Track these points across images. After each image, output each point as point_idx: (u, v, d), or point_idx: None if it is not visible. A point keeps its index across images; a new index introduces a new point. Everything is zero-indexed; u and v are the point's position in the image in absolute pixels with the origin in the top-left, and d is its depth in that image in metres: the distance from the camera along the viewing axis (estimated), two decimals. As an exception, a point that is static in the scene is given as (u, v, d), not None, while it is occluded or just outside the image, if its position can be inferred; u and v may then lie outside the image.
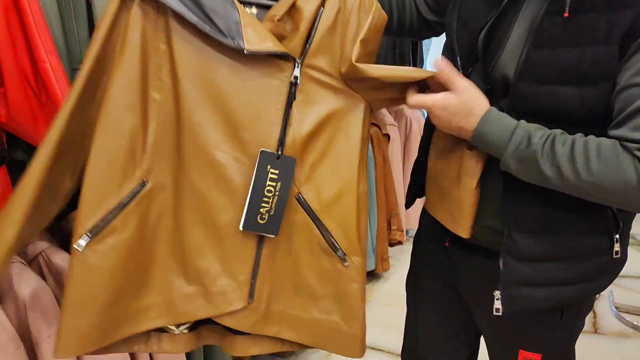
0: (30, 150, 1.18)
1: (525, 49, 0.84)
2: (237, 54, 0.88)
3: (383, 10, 0.93)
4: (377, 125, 2.58)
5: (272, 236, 0.94)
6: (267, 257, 0.96)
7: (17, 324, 1.04)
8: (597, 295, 2.57)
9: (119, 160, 0.88)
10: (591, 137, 0.82)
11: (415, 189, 1.17)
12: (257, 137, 0.91)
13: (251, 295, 0.96)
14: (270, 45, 0.86)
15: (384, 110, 2.77)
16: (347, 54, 0.91)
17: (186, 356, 1.48)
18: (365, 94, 0.96)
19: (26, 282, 1.07)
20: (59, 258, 1.19)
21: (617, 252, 0.94)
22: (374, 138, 2.55)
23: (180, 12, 0.84)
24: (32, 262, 1.19)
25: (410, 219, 2.89)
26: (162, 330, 1.02)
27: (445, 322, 1.17)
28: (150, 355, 1.38)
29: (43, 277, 1.16)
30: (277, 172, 0.91)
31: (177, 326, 1.02)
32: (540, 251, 0.92)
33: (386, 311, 2.46)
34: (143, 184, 0.91)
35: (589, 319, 2.46)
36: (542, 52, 0.83)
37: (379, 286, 2.69)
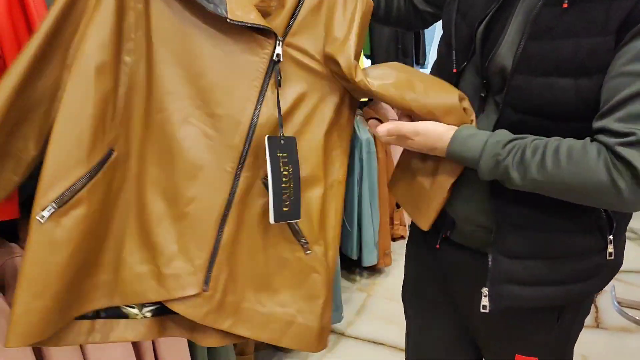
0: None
1: (522, 41, 0.83)
2: (218, 24, 0.85)
3: None
4: (380, 120, 2.58)
5: (296, 220, 0.91)
6: (227, 242, 0.91)
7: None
8: (596, 295, 2.57)
9: (89, 125, 0.81)
10: (563, 142, 0.80)
11: None
12: (229, 112, 0.88)
13: (206, 282, 0.90)
14: (253, 17, 0.83)
15: (386, 105, 2.77)
16: (335, 37, 0.89)
17: (190, 355, 1.49)
18: (343, 82, 0.93)
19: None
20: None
21: (610, 254, 0.92)
22: (377, 133, 2.55)
23: None
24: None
25: (413, 213, 2.89)
26: (124, 316, 0.95)
27: (447, 328, 1.16)
28: (155, 353, 1.38)
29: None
30: (285, 154, 0.88)
31: (140, 309, 0.94)
32: (529, 248, 0.91)
33: (388, 306, 2.47)
34: (110, 153, 0.85)
35: (591, 313, 2.46)
36: (539, 44, 0.82)
37: (380, 281, 2.69)
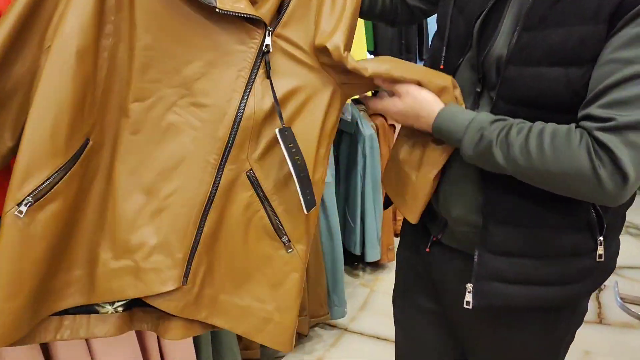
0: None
1: (516, 32, 0.83)
2: (205, 12, 0.82)
3: None
4: (383, 116, 2.57)
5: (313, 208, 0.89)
6: (208, 235, 0.89)
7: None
8: (599, 292, 2.56)
9: (68, 113, 0.76)
10: (548, 125, 0.79)
11: None
12: (215, 103, 0.85)
13: (186, 275, 0.88)
14: (243, 6, 0.80)
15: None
16: (324, 29, 0.87)
17: (196, 352, 1.49)
18: (335, 76, 0.91)
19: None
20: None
21: (600, 256, 0.90)
22: (380, 128, 2.55)
23: None
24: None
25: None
26: (93, 312, 0.91)
27: (434, 338, 1.14)
28: (161, 352, 1.38)
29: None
30: (292, 145, 0.86)
31: (112, 304, 0.90)
32: (516, 246, 0.89)
33: (390, 301, 2.47)
34: (86, 142, 0.80)
35: (593, 309, 2.46)
36: (532, 34, 0.81)
37: (383, 276, 2.70)
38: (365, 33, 2.37)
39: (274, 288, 0.94)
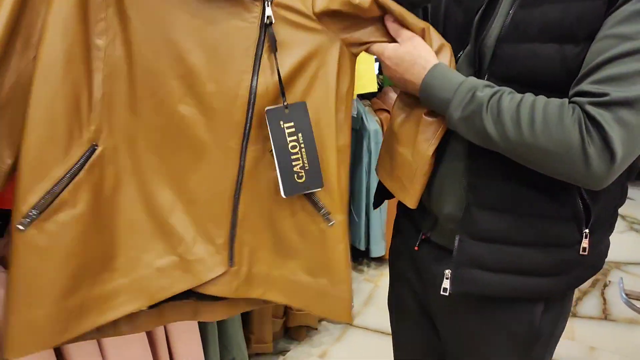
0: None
1: (511, 11, 0.81)
2: None
3: None
4: (388, 111, 2.57)
5: (317, 189, 0.87)
6: (244, 216, 0.88)
7: None
8: (604, 288, 2.55)
9: (61, 121, 0.74)
10: (541, 97, 0.77)
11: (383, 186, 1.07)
12: (226, 87, 0.82)
13: (231, 258, 0.89)
14: None
15: (393, 95, 2.76)
16: None
17: (203, 349, 1.50)
18: (339, 30, 0.87)
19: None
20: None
21: (584, 249, 0.87)
22: (385, 124, 2.55)
23: None
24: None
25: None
26: None
27: (422, 345, 1.13)
28: (170, 350, 1.38)
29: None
30: (292, 124, 0.84)
31: None
32: (498, 231, 0.86)
33: (396, 296, 2.48)
34: (93, 149, 0.78)
35: (598, 305, 2.46)
36: (527, 11, 0.79)
37: (387, 272, 2.70)
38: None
39: (323, 262, 0.93)
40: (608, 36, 0.73)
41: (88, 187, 0.79)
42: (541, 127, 0.74)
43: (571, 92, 0.76)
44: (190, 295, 0.91)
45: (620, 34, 0.72)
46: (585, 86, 0.73)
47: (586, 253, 0.87)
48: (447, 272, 0.91)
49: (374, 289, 2.55)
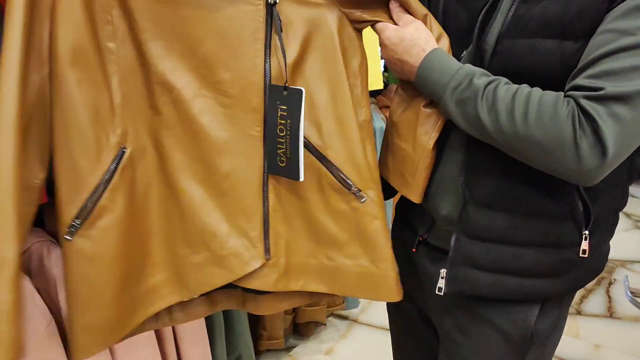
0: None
1: (513, 7, 0.80)
2: None
3: None
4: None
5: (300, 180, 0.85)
6: (275, 206, 0.88)
7: (47, 301, 1.08)
8: (609, 285, 2.55)
9: (88, 130, 0.76)
10: (536, 89, 0.76)
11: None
12: (239, 74, 0.81)
13: (267, 251, 0.88)
14: None
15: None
16: None
17: (211, 351, 1.51)
18: (343, 5, 0.86)
19: (56, 259, 1.08)
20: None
21: (584, 252, 0.85)
22: (391, 122, 2.56)
23: None
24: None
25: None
26: None
27: (429, 341, 1.10)
28: (178, 351, 1.39)
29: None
30: (285, 107, 0.82)
31: None
32: (495, 230, 0.85)
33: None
34: (122, 152, 0.80)
35: (603, 303, 2.46)
36: (528, 6, 0.79)
37: (393, 269, 2.71)
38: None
39: (361, 241, 0.90)
40: (606, 31, 0.73)
41: (122, 190, 0.80)
42: (534, 118, 0.74)
43: (567, 86, 0.76)
44: (237, 285, 0.91)
45: (618, 29, 0.71)
46: (580, 80, 0.73)
47: (586, 255, 0.86)
48: (443, 271, 0.90)
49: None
